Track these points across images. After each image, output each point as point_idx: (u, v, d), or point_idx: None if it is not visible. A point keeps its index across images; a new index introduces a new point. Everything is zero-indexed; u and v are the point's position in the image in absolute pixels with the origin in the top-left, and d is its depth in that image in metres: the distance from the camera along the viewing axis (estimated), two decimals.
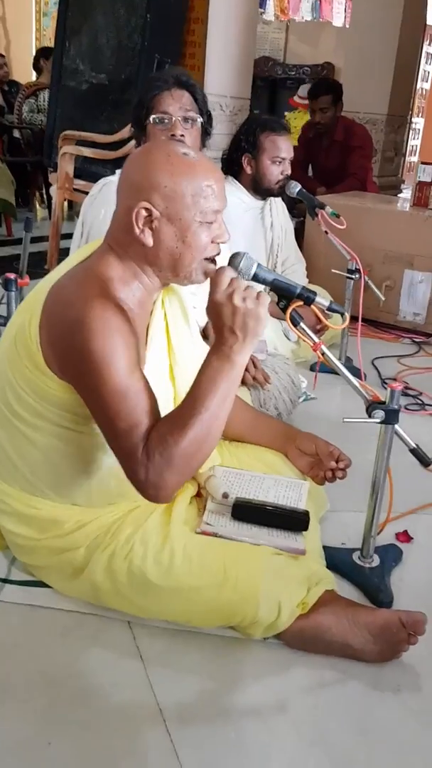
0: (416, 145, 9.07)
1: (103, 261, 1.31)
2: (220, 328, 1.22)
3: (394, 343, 3.41)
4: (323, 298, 1.50)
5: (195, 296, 1.92)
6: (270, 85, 8.29)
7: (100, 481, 1.42)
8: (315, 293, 1.48)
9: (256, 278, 1.51)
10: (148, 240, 1.25)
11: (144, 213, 1.23)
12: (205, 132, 2.04)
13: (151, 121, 1.93)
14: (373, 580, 1.57)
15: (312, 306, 1.50)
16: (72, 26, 3.65)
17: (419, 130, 8.95)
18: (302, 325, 1.49)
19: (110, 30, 3.54)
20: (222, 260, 1.47)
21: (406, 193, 6.37)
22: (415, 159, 9.00)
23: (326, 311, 1.54)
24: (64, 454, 1.38)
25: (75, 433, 1.35)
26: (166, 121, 1.91)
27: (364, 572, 1.60)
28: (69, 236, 4.22)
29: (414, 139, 8.71)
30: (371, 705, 1.30)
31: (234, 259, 1.49)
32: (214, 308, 1.23)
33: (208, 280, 1.29)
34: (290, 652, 1.39)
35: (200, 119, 1.96)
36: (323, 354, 1.53)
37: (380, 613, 1.39)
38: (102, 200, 2.08)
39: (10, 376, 1.36)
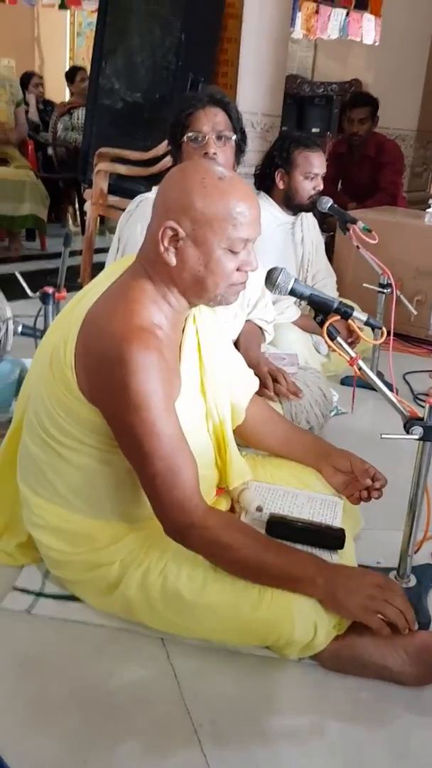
0: None
1: (135, 282, 1.32)
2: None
3: (425, 358, 3.38)
4: (361, 313, 1.50)
5: (227, 310, 1.92)
6: (298, 103, 8.35)
7: (133, 498, 1.42)
8: (352, 308, 1.48)
9: (293, 293, 1.51)
10: (172, 259, 1.26)
11: (170, 232, 1.24)
12: (239, 149, 2.05)
13: (185, 139, 1.94)
14: (410, 601, 1.54)
15: (349, 321, 1.49)
16: (108, 46, 3.70)
17: None
18: (339, 339, 1.48)
19: (146, 50, 3.59)
20: (255, 277, 1.46)
21: None
22: None
23: (362, 326, 1.54)
24: (100, 473, 1.39)
25: (110, 454, 1.36)
26: (200, 138, 1.93)
27: None
28: (101, 251, 4.31)
29: None
30: (409, 729, 1.27)
31: (271, 275, 1.50)
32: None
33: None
34: (326, 674, 1.36)
35: (234, 137, 1.97)
36: (360, 368, 1.52)
37: (419, 634, 1.36)
38: (138, 216, 2.10)
39: (45, 398, 1.37)
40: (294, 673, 1.37)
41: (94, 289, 1.40)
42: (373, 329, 1.62)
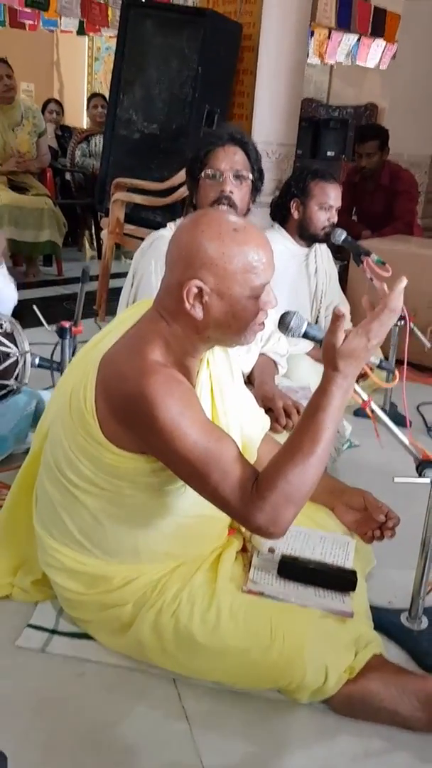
0: None
1: (152, 331, 1.33)
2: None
3: None
4: (374, 356, 1.51)
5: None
6: (313, 126, 8.42)
7: (147, 542, 1.44)
8: None
9: (306, 336, 1.53)
10: (199, 314, 1.28)
11: (195, 290, 1.26)
12: (255, 188, 2.09)
13: (203, 176, 1.98)
14: (422, 644, 1.55)
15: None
16: (126, 78, 3.78)
17: None
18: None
19: (163, 82, 3.66)
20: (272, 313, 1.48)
21: None
22: None
23: (374, 368, 1.56)
24: (114, 517, 1.41)
25: (128, 498, 1.38)
26: (217, 176, 1.96)
27: (412, 635, 1.58)
28: (116, 276, 4.37)
29: None
30: None
31: (285, 318, 1.52)
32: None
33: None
34: (336, 718, 1.37)
35: (251, 177, 2.01)
36: (372, 411, 1.54)
37: (429, 680, 1.37)
38: (152, 253, 2.14)
39: (64, 442, 1.40)
40: (304, 716, 1.38)
41: (112, 333, 1.44)
42: (386, 372, 1.64)
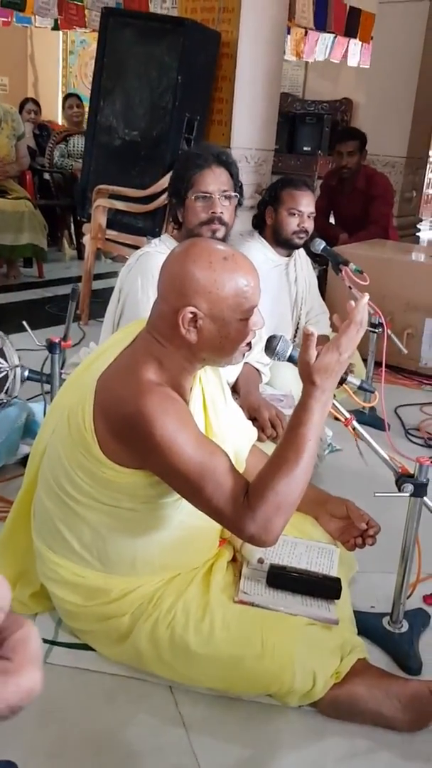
0: None
1: (146, 352, 1.40)
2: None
3: (416, 390, 3.48)
4: (355, 378, 1.59)
5: None
6: (289, 121, 8.46)
7: (144, 553, 1.51)
8: (347, 373, 1.57)
9: (291, 359, 1.61)
10: (193, 338, 1.35)
11: (189, 316, 1.33)
12: (239, 203, 2.17)
13: (193, 197, 2.05)
14: (403, 647, 1.64)
15: (344, 385, 1.59)
16: (106, 86, 3.81)
17: None
18: (334, 402, 1.58)
19: (143, 90, 3.70)
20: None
21: (424, 231, 6.48)
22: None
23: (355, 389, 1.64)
24: (113, 530, 1.48)
25: (126, 511, 1.45)
26: (207, 198, 2.04)
27: (394, 638, 1.67)
28: (98, 276, 4.40)
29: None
30: None
31: (271, 343, 1.59)
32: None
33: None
34: (324, 720, 1.46)
35: (237, 196, 2.09)
36: (354, 429, 1.63)
37: (411, 683, 1.46)
38: (138, 270, 2.20)
39: (63, 459, 1.46)
40: (294, 719, 1.46)
41: (105, 354, 1.50)
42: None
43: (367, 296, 1.35)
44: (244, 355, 1.46)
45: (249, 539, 1.35)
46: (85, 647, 1.60)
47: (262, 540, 1.33)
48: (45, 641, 1.62)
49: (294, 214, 2.71)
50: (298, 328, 3.04)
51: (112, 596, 1.52)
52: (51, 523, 1.55)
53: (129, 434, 1.33)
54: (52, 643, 1.62)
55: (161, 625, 1.46)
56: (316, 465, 2.43)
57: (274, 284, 2.89)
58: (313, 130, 8.55)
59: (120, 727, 1.42)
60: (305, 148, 8.43)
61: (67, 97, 6.31)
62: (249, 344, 1.44)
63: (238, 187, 2.14)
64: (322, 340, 2.77)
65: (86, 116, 4.55)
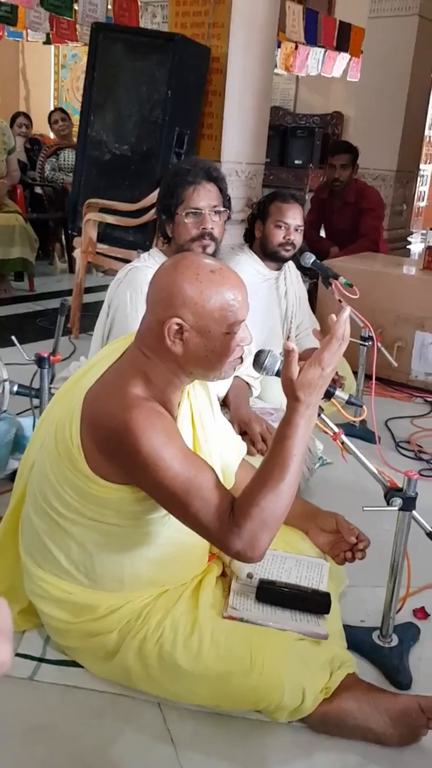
0: (424, 192, 9.28)
1: (134, 367, 1.40)
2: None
3: (406, 403, 3.49)
4: (343, 393, 1.60)
5: None
6: (281, 135, 8.52)
7: (132, 569, 1.50)
8: (335, 387, 1.58)
9: (279, 374, 1.61)
10: (179, 350, 1.35)
11: (175, 327, 1.33)
12: (228, 217, 2.18)
13: (183, 213, 2.05)
14: (393, 661, 1.64)
15: (332, 400, 1.59)
16: (97, 101, 3.84)
17: (427, 177, 9.17)
18: (323, 416, 1.58)
19: (133, 105, 3.72)
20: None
21: (414, 244, 6.52)
22: (423, 204, 9.20)
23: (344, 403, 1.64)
24: (101, 545, 1.47)
25: (113, 527, 1.44)
26: (198, 214, 2.04)
27: (384, 652, 1.66)
28: (89, 290, 4.41)
29: (422, 185, 8.93)
30: None
31: (259, 357, 1.59)
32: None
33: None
34: (314, 736, 1.45)
35: (227, 210, 2.09)
36: (343, 443, 1.63)
37: (400, 698, 1.46)
38: (127, 284, 2.20)
39: (50, 475, 1.46)
40: (283, 735, 1.45)
41: (94, 368, 1.50)
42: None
43: (348, 310, 1.35)
44: (234, 369, 1.47)
45: (235, 555, 1.34)
46: (74, 664, 1.59)
47: (248, 556, 1.32)
48: (33, 659, 1.61)
49: (280, 227, 2.73)
50: (288, 341, 3.05)
51: (100, 613, 1.51)
52: (38, 539, 1.54)
53: (115, 449, 1.33)
54: (40, 660, 1.61)
55: (149, 641, 1.45)
56: (306, 479, 2.43)
57: (264, 298, 2.90)
58: (304, 143, 8.61)
59: (108, 745, 1.41)
60: (297, 162, 8.48)
61: (53, 112, 6.35)
62: (240, 359, 1.44)
63: (227, 200, 2.15)
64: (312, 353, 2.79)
65: (74, 129, 4.57)
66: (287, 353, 1.30)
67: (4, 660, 0.51)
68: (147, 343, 1.40)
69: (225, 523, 1.31)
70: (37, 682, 1.55)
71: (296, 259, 2.89)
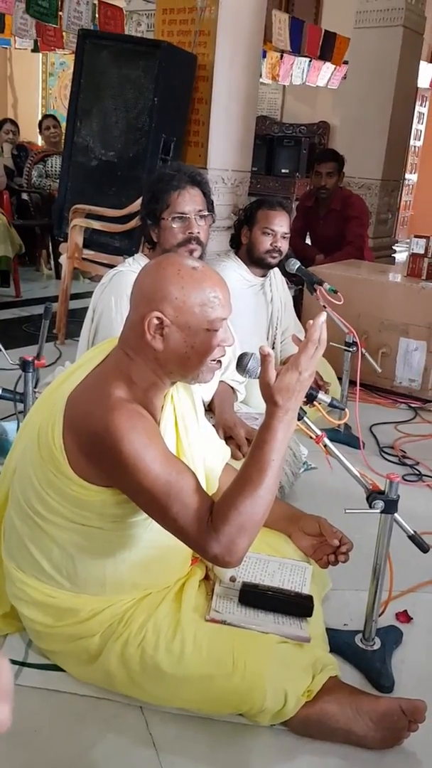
0: (409, 201, 9.36)
1: (116, 369, 1.40)
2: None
3: (391, 409, 3.51)
4: (325, 396, 1.61)
5: None
6: (268, 144, 8.58)
7: (114, 573, 1.50)
8: (317, 390, 1.59)
9: None
10: (158, 345, 1.35)
11: (155, 321, 1.34)
12: (212, 220, 2.19)
13: (169, 218, 2.06)
14: (375, 665, 1.64)
15: (315, 404, 1.60)
16: (83, 107, 3.84)
17: (412, 186, 9.25)
18: (306, 419, 1.59)
19: (120, 111, 3.74)
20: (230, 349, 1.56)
21: (399, 252, 6.57)
22: (408, 213, 9.27)
23: (326, 407, 1.65)
24: (82, 549, 1.47)
25: (96, 529, 1.44)
26: (184, 219, 2.05)
27: (366, 656, 1.67)
28: (75, 296, 4.40)
29: (407, 195, 9.01)
30: None
31: (242, 360, 1.60)
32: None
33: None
34: (296, 739, 1.45)
35: (212, 215, 2.11)
36: (326, 446, 1.64)
37: (382, 701, 1.46)
38: (111, 289, 2.20)
39: (33, 478, 1.45)
40: (266, 738, 1.45)
41: (77, 372, 1.50)
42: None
43: (324, 315, 1.35)
44: (213, 373, 1.47)
45: (212, 560, 1.34)
46: (56, 668, 1.58)
47: (225, 561, 1.32)
48: (15, 662, 1.60)
49: (267, 234, 2.75)
50: (274, 347, 3.07)
51: (82, 616, 1.51)
52: (20, 542, 1.54)
53: (97, 450, 1.33)
54: (22, 664, 1.60)
55: (131, 645, 1.45)
56: (291, 483, 2.44)
57: (250, 304, 2.91)
58: (291, 152, 8.67)
59: (90, 748, 1.41)
60: (283, 170, 8.54)
61: (44, 118, 6.36)
62: (219, 362, 1.44)
63: (211, 205, 2.16)
64: None
65: (64, 136, 4.58)
66: (263, 357, 1.30)
67: (3, 720, 0.52)
68: (130, 344, 1.41)
69: (203, 527, 1.31)
70: (18, 686, 1.54)
71: (282, 265, 2.91)
